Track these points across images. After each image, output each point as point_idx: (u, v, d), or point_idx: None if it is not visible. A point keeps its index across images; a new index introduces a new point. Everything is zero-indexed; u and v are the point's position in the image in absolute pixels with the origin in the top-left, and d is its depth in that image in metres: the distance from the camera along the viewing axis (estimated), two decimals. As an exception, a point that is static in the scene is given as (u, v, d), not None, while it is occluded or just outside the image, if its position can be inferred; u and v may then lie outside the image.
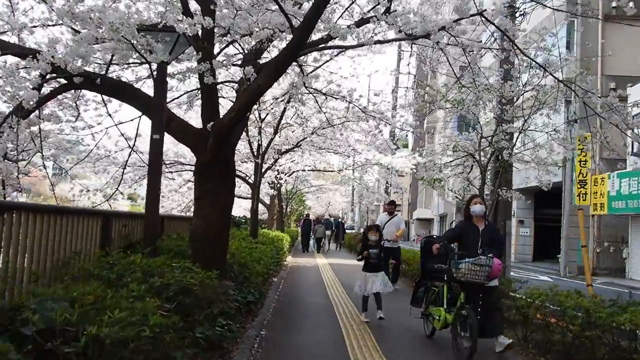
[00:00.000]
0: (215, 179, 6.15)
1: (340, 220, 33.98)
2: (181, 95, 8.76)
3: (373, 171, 22.45)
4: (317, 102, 9.68)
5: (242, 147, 14.88)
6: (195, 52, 5.88)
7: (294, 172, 19.06)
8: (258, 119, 12.36)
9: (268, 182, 18.42)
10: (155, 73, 5.83)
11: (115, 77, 6.66)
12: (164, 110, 5.84)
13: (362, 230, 39.01)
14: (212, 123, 6.03)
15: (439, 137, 13.64)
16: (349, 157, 17.99)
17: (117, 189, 8.75)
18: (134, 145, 7.91)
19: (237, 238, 10.01)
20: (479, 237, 5.79)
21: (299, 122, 13.25)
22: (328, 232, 27.49)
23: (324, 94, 9.55)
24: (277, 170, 16.88)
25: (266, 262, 9.06)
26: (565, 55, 9.49)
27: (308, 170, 21.02)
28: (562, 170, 18.50)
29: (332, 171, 21.42)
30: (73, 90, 7.58)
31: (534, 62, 7.53)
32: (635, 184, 17.13)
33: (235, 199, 24.70)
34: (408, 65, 21.91)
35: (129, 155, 8.14)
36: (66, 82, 5.89)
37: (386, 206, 12.17)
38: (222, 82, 8.28)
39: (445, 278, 5.98)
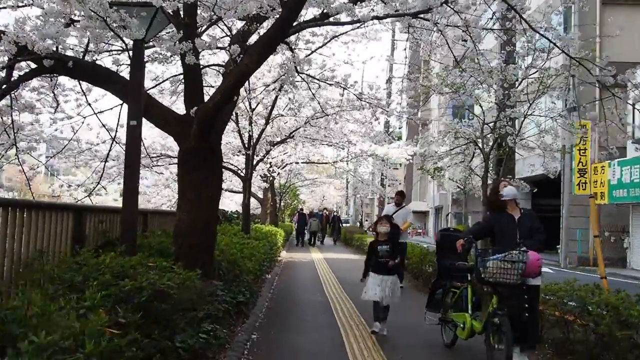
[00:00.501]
0: (200, 168, 5.64)
1: (335, 213, 33.40)
2: (163, 81, 8.21)
3: (368, 163, 22.02)
4: (310, 90, 9.15)
5: (232, 138, 14.36)
6: (177, 33, 5.36)
7: (287, 164, 18.53)
8: (248, 108, 11.80)
9: (260, 176, 17.88)
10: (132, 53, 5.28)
11: (89, 60, 6.11)
12: (142, 94, 5.29)
13: (358, 223, 38.52)
14: (195, 108, 5.52)
15: (437, 125, 13.15)
16: (344, 148, 17.50)
17: (98, 183, 8.21)
18: (115, 136, 7.38)
19: (228, 234, 9.49)
20: (516, 228, 4.83)
21: (292, 111, 12.69)
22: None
23: (318, 80, 9.03)
24: (270, 162, 16.36)
25: (259, 259, 8.56)
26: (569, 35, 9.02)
27: (302, 163, 20.48)
28: (562, 159, 18.08)
29: (326, 163, 20.90)
30: (50, 79, 7.06)
31: (542, 40, 7.06)
32: (637, 172, 16.72)
33: (228, 194, 23.84)
34: (405, 50, 21.37)
35: (111, 146, 7.59)
36: (36, 65, 5.38)
37: (394, 197, 11.09)
38: (207, 66, 7.75)
39: (470, 278, 5.24)
